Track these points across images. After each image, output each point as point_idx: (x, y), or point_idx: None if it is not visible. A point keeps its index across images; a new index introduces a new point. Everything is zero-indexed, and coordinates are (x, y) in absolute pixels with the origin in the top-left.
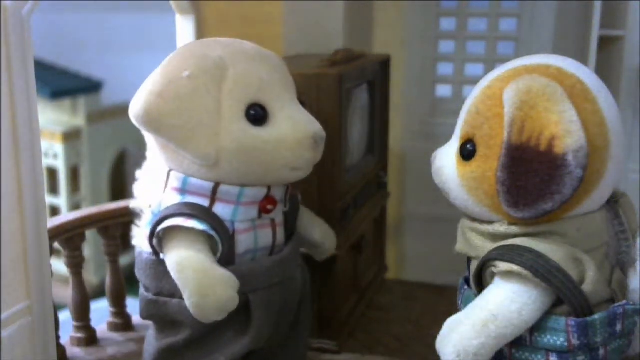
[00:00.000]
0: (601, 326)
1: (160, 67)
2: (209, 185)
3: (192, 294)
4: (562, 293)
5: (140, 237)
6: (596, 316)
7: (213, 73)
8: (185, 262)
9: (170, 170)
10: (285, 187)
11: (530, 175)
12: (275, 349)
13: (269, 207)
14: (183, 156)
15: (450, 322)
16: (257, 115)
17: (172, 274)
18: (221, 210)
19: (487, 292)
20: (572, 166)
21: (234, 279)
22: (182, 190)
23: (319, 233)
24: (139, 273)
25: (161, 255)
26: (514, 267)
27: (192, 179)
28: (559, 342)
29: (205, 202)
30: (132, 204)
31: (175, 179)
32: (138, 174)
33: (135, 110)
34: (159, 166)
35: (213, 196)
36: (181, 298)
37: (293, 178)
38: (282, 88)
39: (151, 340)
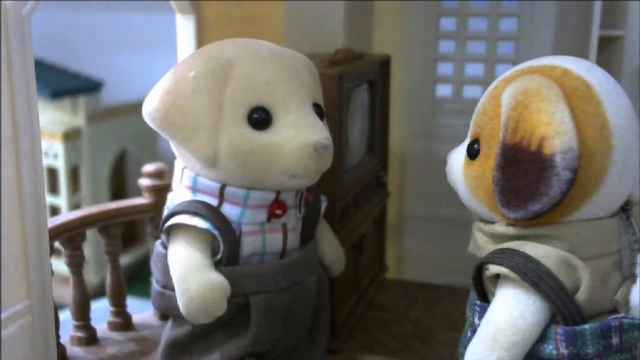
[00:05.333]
0: (592, 337)
1: (175, 66)
2: (216, 185)
3: (182, 293)
4: (549, 299)
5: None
6: (586, 326)
7: (216, 74)
8: (183, 260)
9: (184, 168)
10: (298, 192)
11: (521, 176)
12: (291, 354)
13: (278, 211)
14: (188, 155)
15: (469, 348)
16: (260, 119)
17: (170, 269)
18: (229, 211)
19: (490, 307)
20: (560, 167)
21: (226, 286)
22: (193, 189)
23: (328, 255)
24: (152, 264)
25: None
26: (503, 270)
27: (201, 178)
28: (547, 350)
29: (214, 202)
30: (169, 195)
31: (187, 177)
32: (175, 167)
33: (146, 107)
34: (177, 163)
35: (221, 197)
36: None
37: (294, 185)
38: (291, 92)
39: (166, 330)
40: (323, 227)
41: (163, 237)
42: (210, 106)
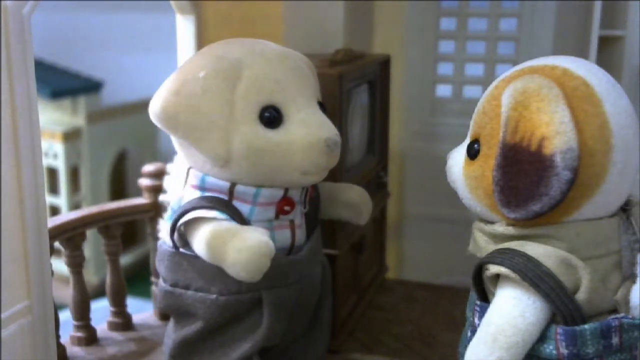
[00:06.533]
0: (592, 337)
1: (181, 66)
2: (225, 184)
3: (226, 256)
4: (549, 299)
5: (164, 230)
6: (586, 326)
7: (227, 74)
8: (209, 235)
9: (189, 168)
10: (303, 189)
11: (522, 176)
12: (293, 346)
13: (286, 208)
14: (197, 154)
15: (469, 348)
16: (271, 117)
17: (204, 255)
18: (238, 208)
19: (490, 307)
20: (560, 167)
21: (262, 229)
22: (202, 188)
23: (346, 193)
24: (158, 264)
25: (181, 249)
26: (503, 270)
27: (209, 178)
28: (547, 350)
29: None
30: (161, 197)
31: (194, 177)
32: (169, 168)
33: (153, 107)
34: (180, 163)
35: (230, 195)
36: (196, 290)
37: (305, 182)
38: (299, 91)
39: (170, 332)
40: (324, 186)
41: (175, 235)
42: (222, 106)
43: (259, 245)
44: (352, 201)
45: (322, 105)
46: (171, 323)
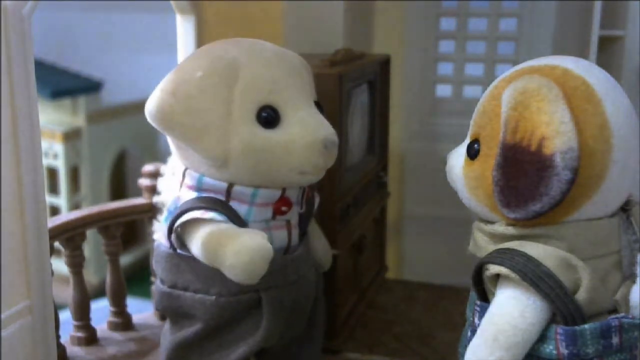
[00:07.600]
0: (592, 337)
1: (178, 66)
2: (223, 185)
3: (224, 259)
4: (549, 299)
5: (159, 231)
6: (586, 326)
7: (225, 74)
8: (207, 237)
9: (186, 169)
10: (301, 189)
11: (521, 176)
12: (290, 347)
13: (284, 208)
14: (194, 155)
15: (469, 348)
16: (269, 117)
17: (202, 257)
18: (236, 209)
19: (490, 307)
20: (560, 167)
21: (261, 232)
22: (198, 188)
23: (320, 251)
24: (155, 265)
25: (178, 250)
26: (503, 270)
27: (206, 178)
28: (547, 350)
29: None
30: (155, 198)
31: (190, 178)
32: (163, 169)
33: (149, 107)
34: (176, 164)
35: (227, 196)
36: (194, 292)
37: (303, 182)
38: (296, 91)
39: (166, 334)
40: (311, 223)
41: (172, 236)
42: (219, 106)
43: (258, 248)
44: (317, 255)
45: (319, 105)
46: (168, 324)
